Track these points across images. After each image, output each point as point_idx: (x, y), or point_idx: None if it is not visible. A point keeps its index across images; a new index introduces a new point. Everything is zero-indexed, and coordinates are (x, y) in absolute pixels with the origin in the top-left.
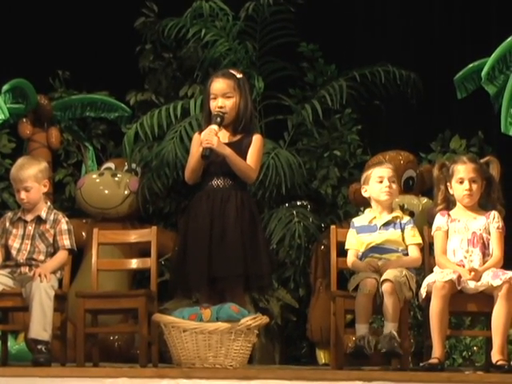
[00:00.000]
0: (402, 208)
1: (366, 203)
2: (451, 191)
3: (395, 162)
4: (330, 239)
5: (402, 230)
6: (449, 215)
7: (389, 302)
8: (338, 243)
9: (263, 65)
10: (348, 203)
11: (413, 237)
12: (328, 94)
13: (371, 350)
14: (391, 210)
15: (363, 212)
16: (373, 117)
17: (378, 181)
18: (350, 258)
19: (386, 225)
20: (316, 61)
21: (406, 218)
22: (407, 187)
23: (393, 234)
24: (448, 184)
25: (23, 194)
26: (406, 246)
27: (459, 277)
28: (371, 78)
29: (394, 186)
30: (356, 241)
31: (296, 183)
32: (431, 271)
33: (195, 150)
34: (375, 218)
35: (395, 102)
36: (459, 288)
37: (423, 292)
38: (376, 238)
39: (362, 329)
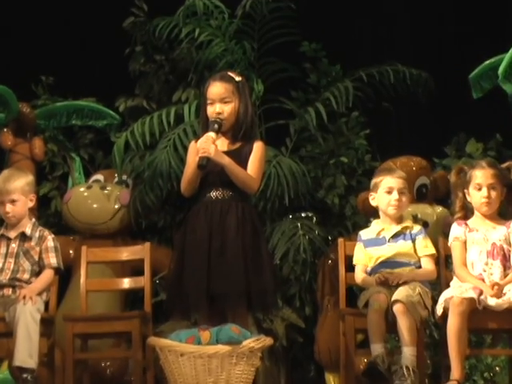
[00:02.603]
0: (415, 218)
1: (376, 213)
2: (469, 198)
3: (407, 169)
4: (338, 253)
5: (413, 241)
6: (466, 225)
7: (403, 324)
8: (346, 257)
9: (262, 66)
10: (357, 213)
11: (425, 248)
12: (333, 96)
13: (386, 370)
14: (400, 221)
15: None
16: (382, 120)
17: (386, 191)
18: (359, 274)
19: (396, 236)
20: (319, 61)
21: (417, 228)
22: (420, 195)
23: (403, 245)
24: (466, 191)
25: (8, 207)
26: (419, 258)
27: (480, 293)
28: (379, 78)
29: (404, 198)
30: (364, 255)
31: (300, 193)
32: (448, 286)
33: (191, 160)
34: (383, 229)
35: (405, 103)
36: (480, 308)
37: (440, 309)
38: (385, 251)
39: (377, 349)
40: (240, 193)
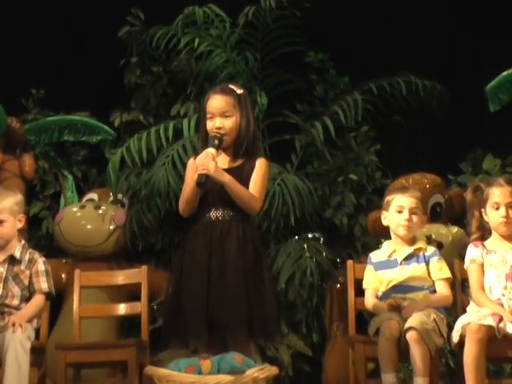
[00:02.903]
0: (429, 239)
1: (387, 234)
2: (486, 218)
3: (420, 186)
4: (347, 276)
5: (427, 264)
6: (483, 246)
7: (416, 353)
8: (356, 281)
9: (266, 78)
10: (367, 234)
11: (440, 270)
12: (341, 109)
13: None
14: (413, 242)
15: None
16: (393, 134)
17: (397, 210)
18: (369, 299)
19: (408, 259)
20: (326, 72)
21: (431, 250)
22: (434, 215)
23: (416, 269)
24: (482, 210)
25: None
26: (433, 282)
27: (499, 320)
28: (390, 90)
29: (416, 218)
30: (374, 279)
31: (306, 212)
32: (464, 311)
33: (190, 177)
34: (395, 251)
35: (418, 116)
36: (500, 336)
37: (456, 336)
38: (397, 274)
39: (388, 379)
40: (241, 213)
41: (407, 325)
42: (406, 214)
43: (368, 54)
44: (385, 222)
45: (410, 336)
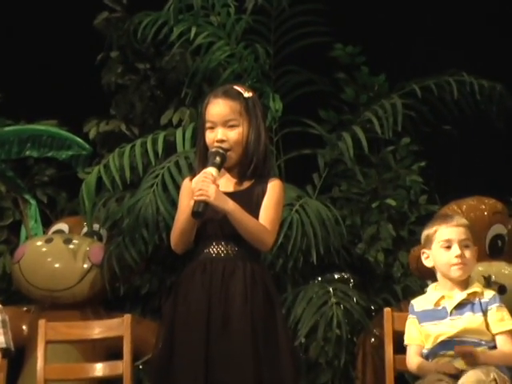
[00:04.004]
0: (487, 280)
1: (435, 275)
2: None
3: (476, 214)
4: (384, 328)
5: (485, 313)
6: None
7: None
8: (395, 334)
9: (281, 77)
10: (409, 275)
11: (501, 321)
12: (376, 116)
13: None
14: (466, 285)
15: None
16: (442, 148)
17: (443, 246)
18: (412, 358)
19: (461, 307)
20: (357, 69)
21: (489, 294)
22: (495, 249)
23: (471, 319)
24: None
25: None
26: (493, 336)
27: None
28: (438, 92)
29: (469, 253)
30: (419, 333)
31: (332, 247)
32: None
33: (185, 204)
34: (443, 297)
35: (474, 126)
36: None
37: None
38: (447, 327)
39: None
40: (249, 249)
41: (461, 382)
42: (456, 249)
43: (410, 46)
44: (428, 263)
45: None
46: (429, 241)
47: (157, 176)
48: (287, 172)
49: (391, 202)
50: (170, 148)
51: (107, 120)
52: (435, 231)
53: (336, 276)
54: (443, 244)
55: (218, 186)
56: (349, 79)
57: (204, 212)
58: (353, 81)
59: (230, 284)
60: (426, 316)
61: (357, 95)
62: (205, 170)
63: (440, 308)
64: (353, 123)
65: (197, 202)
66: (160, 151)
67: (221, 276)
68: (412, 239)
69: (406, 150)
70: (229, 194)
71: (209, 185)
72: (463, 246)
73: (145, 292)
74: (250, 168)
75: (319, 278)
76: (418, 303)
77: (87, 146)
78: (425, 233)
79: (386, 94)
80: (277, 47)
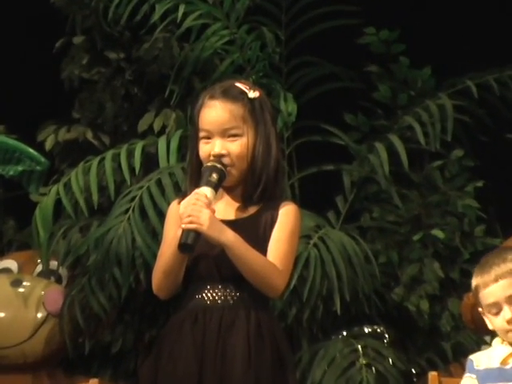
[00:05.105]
0: None
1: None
2: None
3: None
4: None
5: None
6: None
7: None
8: None
9: (294, 71)
10: (461, 328)
11: None
12: (419, 122)
13: None
14: None
15: (490, 344)
16: (504, 164)
17: (492, 313)
18: None
19: None
20: (395, 61)
21: None
22: None
23: None
24: None
25: None
26: None
27: None
28: (500, 91)
29: None
30: None
31: (361, 292)
32: None
33: (171, 235)
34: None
35: None
36: None
37: None
38: None
39: None
40: (253, 294)
41: None
42: (507, 313)
43: (463, 31)
44: (489, 325)
45: None
46: (477, 298)
47: (133, 199)
48: (302, 194)
49: (438, 233)
50: (150, 162)
51: (68, 126)
52: (477, 290)
53: (366, 330)
54: (490, 310)
55: (213, 211)
56: (383, 73)
57: (194, 245)
58: (389, 76)
59: (229, 340)
60: (489, 376)
61: (394, 94)
62: (197, 191)
63: (508, 367)
64: (388, 131)
65: (185, 232)
66: (137, 166)
67: (217, 329)
68: (465, 282)
69: (458, 165)
70: (228, 223)
71: (201, 209)
72: None
73: (116, 350)
74: (256, 189)
75: (344, 333)
76: (480, 359)
77: (42, 159)
78: (473, 283)
79: (431, 92)
80: (289, 31)
